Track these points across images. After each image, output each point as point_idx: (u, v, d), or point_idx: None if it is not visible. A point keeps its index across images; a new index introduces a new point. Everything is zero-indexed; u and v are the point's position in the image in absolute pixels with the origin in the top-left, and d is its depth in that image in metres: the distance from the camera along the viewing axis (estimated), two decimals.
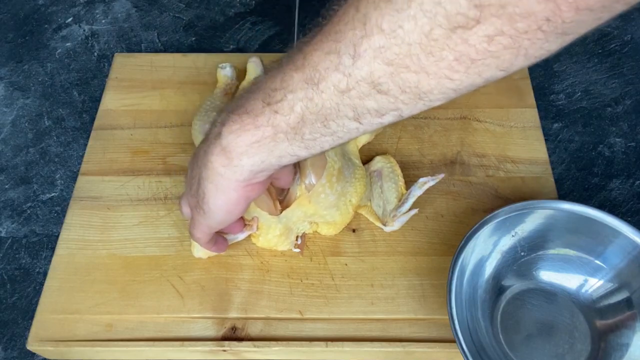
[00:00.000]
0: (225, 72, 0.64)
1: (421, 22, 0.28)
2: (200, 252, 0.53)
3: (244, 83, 0.62)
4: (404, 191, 0.56)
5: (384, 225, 0.55)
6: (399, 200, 0.55)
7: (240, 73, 0.65)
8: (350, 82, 0.32)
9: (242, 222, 0.53)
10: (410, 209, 0.55)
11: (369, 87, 0.32)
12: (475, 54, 0.28)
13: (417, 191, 0.55)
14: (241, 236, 0.53)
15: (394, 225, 0.54)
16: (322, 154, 0.50)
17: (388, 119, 0.34)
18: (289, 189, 0.51)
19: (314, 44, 0.33)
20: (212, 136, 0.40)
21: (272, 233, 0.52)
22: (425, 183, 0.56)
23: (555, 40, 0.28)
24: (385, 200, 0.56)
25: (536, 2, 0.26)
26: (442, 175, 0.57)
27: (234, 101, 0.39)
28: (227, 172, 0.39)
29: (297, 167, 0.51)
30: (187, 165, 0.46)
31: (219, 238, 0.51)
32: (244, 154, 0.38)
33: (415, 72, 0.30)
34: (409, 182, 0.57)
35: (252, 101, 0.37)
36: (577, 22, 0.27)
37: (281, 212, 0.51)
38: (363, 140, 0.58)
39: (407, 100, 0.32)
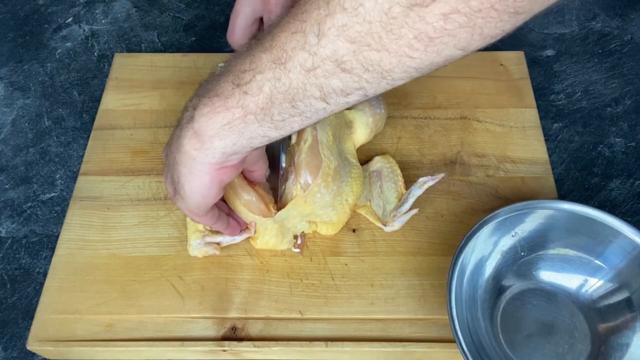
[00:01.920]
0: None
1: (381, 1, 0.29)
2: (195, 251, 0.53)
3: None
4: (404, 191, 0.56)
5: (384, 225, 0.55)
6: (399, 200, 0.56)
7: None
8: (316, 61, 0.33)
9: (243, 223, 0.53)
10: (410, 209, 0.55)
11: (333, 65, 0.33)
12: (433, 32, 0.30)
13: (417, 191, 0.55)
14: (238, 239, 0.53)
15: (394, 225, 0.54)
16: (318, 153, 0.50)
17: (353, 98, 0.35)
18: (284, 189, 0.51)
19: (282, 25, 0.34)
20: (184, 121, 0.40)
21: (268, 234, 0.53)
22: (425, 183, 0.56)
23: (509, 19, 0.29)
24: (385, 201, 0.56)
25: None
26: (442, 175, 0.57)
27: (205, 85, 0.40)
28: (200, 155, 0.40)
29: (292, 167, 0.51)
30: (162, 152, 0.46)
31: (231, 220, 0.51)
32: (216, 136, 0.38)
33: (377, 50, 0.31)
34: (409, 182, 0.57)
35: (222, 83, 0.38)
36: (528, 1, 0.28)
37: (276, 214, 0.51)
38: (361, 140, 0.58)
39: (370, 79, 0.33)
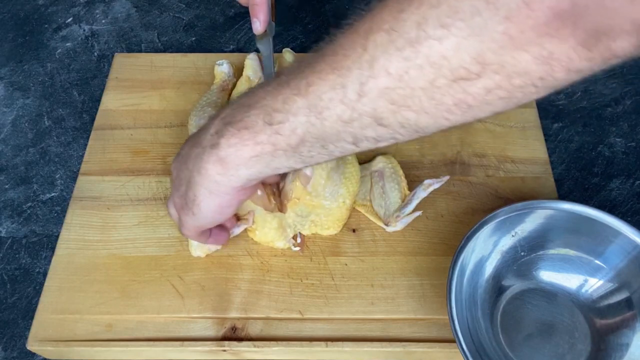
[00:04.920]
0: (222, 69, 0.64)
1: (427, 72, 0.30)
2: (198, 250, 0.53)
3: (241, 80, 0.62)
4: (407, 192, 0.56)
5: (386, 225, 0.55)
6: (402, 201, 0.56)
7: (238, 70, 0.65)
8: (354, 115, 0.34)
9: (235, 218, 0.53)
10: (413, 211, 0.55)
11: (371, 120, 0.34)
12: (473, 101, 0.31)
13: (422, 193, 0.55)
14: (237, 230, 0.53)
15: (397, 226, 0.54)
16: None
17: (383, 144, 0.37)
18: (284, 186, 0.52)
19: (318, 72, 0.35)
20: (206, 143, 0.41)
21: (268, 226, 0.53)
22: (430, 185, 0.56)
23: (545, 92, 0.31)
24: (388, 201, 0.56)
25: (534, 64, 0.28)
26: (447, 178, 0.57)
27: (230, 112, 0.40)
28: (223, 179, 0.40)
29: None
30: (172, 166, 0.46)
31: (214, 230, 0.51)
32: (242, 165, 0.39)
33: (416, 112, 0.33)
34: (409, 182, 0.57)
35: (252, 117, 0.38)
36: (567, 80, 0.30)
37: (278, 210, 0.51)
38: None
39: (404, 133, 0.35)
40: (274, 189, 0.52)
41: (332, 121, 0.35)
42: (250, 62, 0.62)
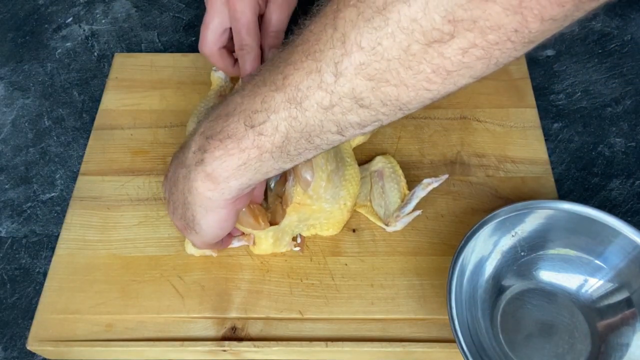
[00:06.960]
0: (218, 75, 0.64)
1: (399, 39, 0.29)
2: (192, 249, 0.53)
3: (210, 94, 0.62)
4: (406, 192, 0.56)
5: (386, 225, 0.55)
6: (402, 201, 0.56)
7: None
8: (334, 99, 0.33)
9: (234, 231, 0.53)
10: (413, 210, 0.55)
11: (351, 102, 0.33)
12: (451, 65, 0.30)
13: (421, 192, 0.55)
14: (237, 244, 0.53)
15: (397, 226, 0.54)
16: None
17: (369, 129, 0.36)
18: (284, 190, 0.51)
19: (293, 63, 0.34)
20: (191, 162, 0.40)
21: (265, 243, 0.53)
22: (429, 184, 0.56)
23: (522, 48, 0.30)
24: (387, 201, 0.56)
25: (504, 15, 0.27)
26: (445, 176, 0.57)
27: (209, 124, 0.39)
28: (215, 194, 0.40)
29: (290, 171, 0.51)
30: (163, 187, 0.46)
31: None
32: (231, 177, 0.38)
33: (395, 86, 0.31)
34: (409, 182, 0.57)
35: (232, 124, 0.37)
36: (542, 31, 0.29)
37: (271, 225, 0.51)
38: (357, 140, 0.58)
39: (387, 112, 0.34)
40: (261, 206, 0.52)
41: (313, 111, 0.34)
42: (217, 75, 0.62)
